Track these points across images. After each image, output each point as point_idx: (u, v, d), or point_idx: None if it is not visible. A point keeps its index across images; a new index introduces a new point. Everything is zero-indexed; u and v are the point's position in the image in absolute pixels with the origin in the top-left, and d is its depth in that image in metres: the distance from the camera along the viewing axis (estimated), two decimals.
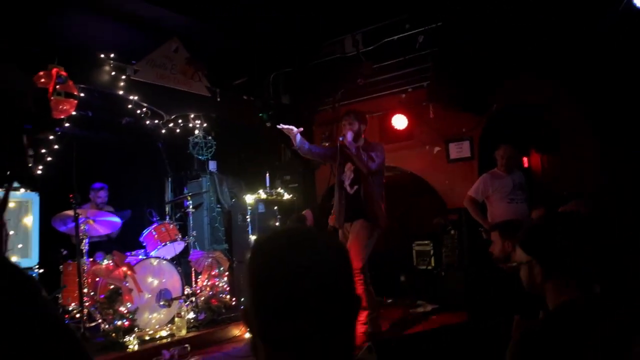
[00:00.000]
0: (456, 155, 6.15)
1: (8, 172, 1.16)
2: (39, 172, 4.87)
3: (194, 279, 5.38)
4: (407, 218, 6.82)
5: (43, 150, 5.03)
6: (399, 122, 6.38)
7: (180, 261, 5.33)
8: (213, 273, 5.29)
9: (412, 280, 5.97)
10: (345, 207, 4.33)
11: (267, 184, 6.34)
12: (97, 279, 4.67)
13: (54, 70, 4.31)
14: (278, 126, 4.36)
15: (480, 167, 5.79)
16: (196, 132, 6.52)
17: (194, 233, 5.60)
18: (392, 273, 6.14)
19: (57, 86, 4.23)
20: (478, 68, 5.41)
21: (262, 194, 6.14)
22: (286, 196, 6.37)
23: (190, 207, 5.61)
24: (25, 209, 4.85)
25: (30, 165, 1.22)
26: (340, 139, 4.31)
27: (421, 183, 6.38)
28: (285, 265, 0.83)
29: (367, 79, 6.34)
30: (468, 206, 4.89)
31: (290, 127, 4.28)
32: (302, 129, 4.36)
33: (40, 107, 1.23)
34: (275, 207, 6.06)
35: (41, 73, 4.35)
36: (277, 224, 5.97)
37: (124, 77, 5.33)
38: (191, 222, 5.61)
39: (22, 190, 4.64)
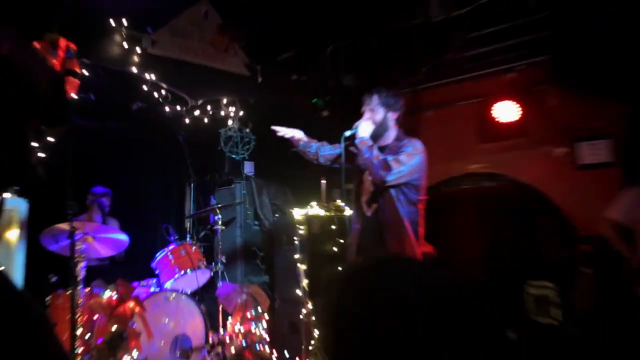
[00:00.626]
0: (589, 159, 6.01)
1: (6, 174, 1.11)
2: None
3: (221, 322, 5.40)
4: (517, 247, 6.58)
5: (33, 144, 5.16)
6: (505, 111, 6.31)
7: (205, 297, 5.38)
8: (248, 315, 5.26)
9: (528, 339, 5.65)
10: (359, 237, 3.94)
11: (323, 195, 6.31)
12: (95, 317, 4.67)
13: (63, 42, 4.32)
14: (272, 127, 4.34)
15: (626, 176, 5.55)
16: (229, 122, 6.63)
17: (224, 259, 5.59)
18: (495, 327, 5.82)
19: (65, 64, 4.28)
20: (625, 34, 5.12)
21: (316, 208, 6.10)
22: (348, 211, 6.20)
23: (219, 223, 5.62)
24: (9, 220, 4.91)
25: (35, 165, 1.12)
26: (346, 133, 3.95)
27: (537, 197, 6.22)
28: (376, 302, 0.94)
29: (459, 53, 6.30)
30: (610, 233, 4.78)
31: (290, 131, 4.29)
32: (303, 136, 4.35)
33: (56, 95, 1.15)
34: (333, 227, 5.97)
35: (38, 44, 4.39)
36: (335, 248, 5.91)
37: (138, 49, 5.44)
38: (220, 243, 5.61)
39: (8, 195, 4.73)
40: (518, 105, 6.25)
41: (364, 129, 3.88)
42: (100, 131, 6.27)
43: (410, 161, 3.80)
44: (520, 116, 6.25)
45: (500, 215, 6.65)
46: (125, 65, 5.43)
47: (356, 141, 3.86)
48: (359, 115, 7.26)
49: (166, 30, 5.68)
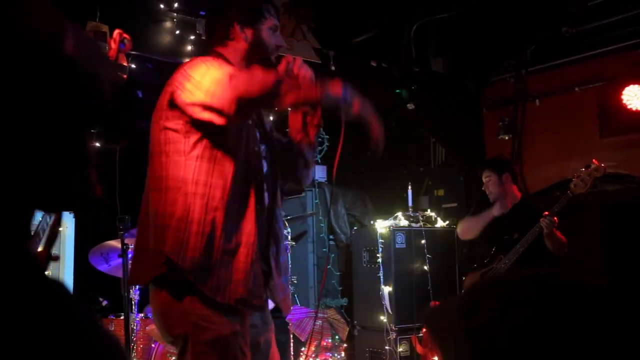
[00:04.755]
0: None
1: (59, 193, 1.23)
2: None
3: (293, 352, 5.44)
4: None
5: None
6: (635, 97, 6.03)
7: (274, 322, 5.43)
8: (324, 344, 5.36)
9: None
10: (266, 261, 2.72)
11: (410, 203, 6.33)
12: (152, 345, 4.85)
13: (116, 32, 4.55)
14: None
15: None
16: None
17: (294, 279, 5.67)
18: None
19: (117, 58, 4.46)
20: None
21: (402, 219, 6.14)
22: (440, 223, 6.30)
23: (288, 238, 5.71)
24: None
25: (92, 183, 1.28)
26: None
27: None
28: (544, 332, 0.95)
29: (576, 27, 6.06)
30: None
31: None
32: None
33: (119, 99, 1.28)
34: (423, 241, 6.01)
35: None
36: (427, 267, 5.90)
37: (192, 37, 5.57)
38: (289, 262, 5.68)
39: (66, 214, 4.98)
40: None
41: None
42: (148, 132, 6.47)
43: None
44: None
45: (628, 227, 6.51)
46: (177, 56, 5.49)
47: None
48: (450, 107, 7.32)
49: None
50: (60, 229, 4.66)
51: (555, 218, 4.58)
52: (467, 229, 5.36)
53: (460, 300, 1.09)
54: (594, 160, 4.65)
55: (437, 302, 5.56)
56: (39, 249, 1.28)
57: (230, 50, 2.69)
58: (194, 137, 2.51)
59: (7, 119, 1.06)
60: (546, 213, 4.60)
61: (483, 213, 5.25)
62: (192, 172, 2.49)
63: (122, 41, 4.35)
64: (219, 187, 2.50)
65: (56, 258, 1.29)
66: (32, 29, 1.08)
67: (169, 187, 2.50)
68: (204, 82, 2.42)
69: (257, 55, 2.71)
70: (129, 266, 2.68)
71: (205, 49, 2.75)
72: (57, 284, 1.23)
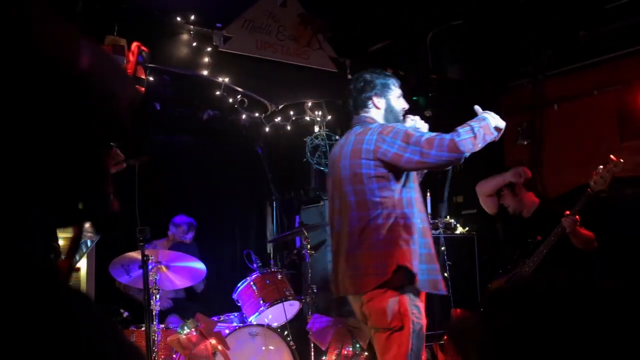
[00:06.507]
0: None
1: (80, 207, 1.24)
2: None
3: None
4: None
5: None
6: None
7: (294, 332, 5.42)
8: (345, 352, 5.30)
9: None
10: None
11: (429, 210, 6.21)
12: (174, 356, 4.87)
13: (135, 45, 4.54)
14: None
15: None
16: (316, 129, 6.58)
17: (315, 288, 5.64)
18: None
19: (136, 71, 4.44)
20: None
21: None
22: (459, 229, 6.27)
23: (307, 247, 5.67)
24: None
25: (111, 200, 1.30)
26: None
27: None
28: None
29: (595, 28, 6.13)
30: None
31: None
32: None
33: (138, 118, 1.29)
34: (443, 248, 5.98)
35: (104, 48, 4.54)
36: (447, 274, 5.86)
37: (209, 49, 5.61)
38: (309, 270, 5.68)
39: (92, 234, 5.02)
40: None
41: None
42: (167, 145, 6.45)
43: None
44: None
45: None
46: (194, 68, 5.58)
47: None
48: (467, 113, 7.29)
49: (240, 24, 5.78)
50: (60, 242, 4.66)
51: (577, 217, 4.57)
52: (483, 185, 5.42)
53: (485, 305, 1.15)
54: (611, 156, 4.60)
55: (458, 310, 5.54)
56: (61, 260, 1.29)
57: (373, 114, 3.62)
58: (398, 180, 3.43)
59: (22, 137, 1.07)
60: (568, 212, 4.59)
61: (497, 177, 5.28)
62: (400, 206, 3.37)
63: (140, 54, 4.37)
64: (415, 213, 3.43)
65: (76, 269, 1.29)
66: (46, 46, 1.09)
67: (385, 217, 3.33)
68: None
69: (390, 117, 3.64)
70: (346, 280, 3.42)
71: (355, 115, 3.65)
72: (81, 295, 1.23)
